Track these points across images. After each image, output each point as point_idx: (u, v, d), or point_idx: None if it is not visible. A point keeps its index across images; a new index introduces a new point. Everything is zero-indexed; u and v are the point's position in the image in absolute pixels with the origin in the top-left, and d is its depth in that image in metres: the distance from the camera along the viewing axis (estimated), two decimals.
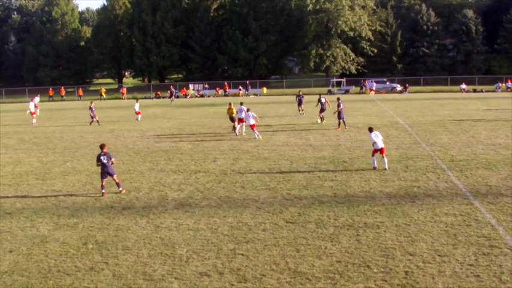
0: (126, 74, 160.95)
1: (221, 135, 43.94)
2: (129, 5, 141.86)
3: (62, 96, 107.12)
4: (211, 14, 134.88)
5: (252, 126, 42.17)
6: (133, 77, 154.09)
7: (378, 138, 29.17)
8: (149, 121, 57.24)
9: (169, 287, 14.91)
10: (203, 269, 15.95)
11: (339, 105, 45.95)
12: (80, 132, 49.93)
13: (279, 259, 16.54)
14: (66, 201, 24.75)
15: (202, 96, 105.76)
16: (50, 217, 22.16)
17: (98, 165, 25.65)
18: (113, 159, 25.78)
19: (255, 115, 42.87)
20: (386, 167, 28.81)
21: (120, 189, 25.65)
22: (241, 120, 44.49)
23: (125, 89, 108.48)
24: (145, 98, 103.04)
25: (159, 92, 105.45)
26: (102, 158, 25.28)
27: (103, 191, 25.37)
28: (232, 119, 46.09)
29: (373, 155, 29.41)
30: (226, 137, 43.15)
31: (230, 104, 48.14)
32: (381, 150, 28.99)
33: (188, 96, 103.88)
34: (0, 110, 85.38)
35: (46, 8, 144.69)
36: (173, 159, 33.95)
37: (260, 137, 41.53)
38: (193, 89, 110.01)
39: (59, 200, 24.90)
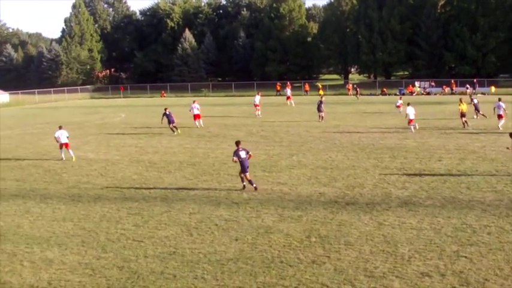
0: (352, 70, 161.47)
1: (447, 134, 43.01)
2: (355, 1, 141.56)
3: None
4: (438, 10, 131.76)
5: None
6: (359, 73, 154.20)
7: None
8: (374, 118, 57.16)
9: (390, 285, 14.98)
10: (425, 269, 15.88)
11: None
12: (306, 126, 50.78)
13: (503, 264, 16.13)
14: (290, 194, 25.46)
15: (428, 94, 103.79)
16: (275, 209, 22.92)
17: (234, 161, 26.58)
18: (250, 153, 26.98)
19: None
20: None
21: (255, 185, 26.39)
22: (500, 116, 45.08)
23: (350, 85, 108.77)
24: (371, 94, 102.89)
25: (384, 89, 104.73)
26: (240, 153, 26.11)
27: (254, 185, 26.29)
28: (462, 115, 46.54)
29: None
30: (452, 135, 42.18)
31: (460, 99, 48.19)
32: None
33: (414, 94, 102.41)
34: (230, 103, 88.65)
35: (274, 5, 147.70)
36: (398, 157, 33.79)
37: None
38: (419, 87, 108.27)
39: (284, 193, 25.67)
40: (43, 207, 24.87)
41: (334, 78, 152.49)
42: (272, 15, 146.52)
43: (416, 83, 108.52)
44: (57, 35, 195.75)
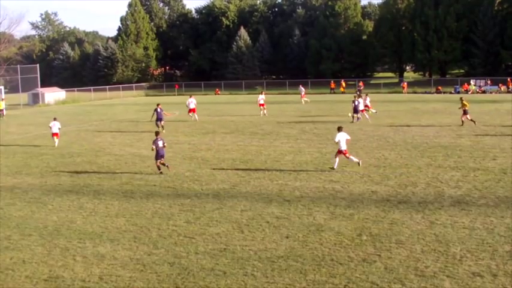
0: (407, 68, 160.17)
1: (502, 133, 42.40)
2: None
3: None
4: (495, 8, 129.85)
5: None
6: (414, 71, 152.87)
7: (343, 139, 29.96)
8: (429, 116, 56.56)
9: (441, 284, 14.83)
10: (476, 269, 15.69)
11: None
12: (359, 125, 50.46)
13: None
14: (343, 191, 25.40)
15: (483, 92, 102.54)
16: (327, 207, 22.87)
17: (152, 149, 30.95)
18: (165, 144, 31.30)
19: None
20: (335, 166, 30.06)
21: (161, 171, 30.91)
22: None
23: (405, 84, 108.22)
24: (426, 92, 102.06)
25: (439, 87, 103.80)
26: (159, 142, 30.53)
27: (160, 170, 30.92)
28: (465, 113, 47.60)
29: (336, 156, 30.37)
30: (507, 135, 41.54)
31: (461, 98, 49.55)
32: (344, 152, 29.87)
33: (469, 92, 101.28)
34: (284, 101, 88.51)
35: (329, 3, 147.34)
36: (452, 156, 33.43)
37: None
38: (475, 85, 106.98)
39: (336, 191, 25.62)
40: (96, 203, 25.20)
41: (389, 76, 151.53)
42: (327, 13, 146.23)
43: (472, 81, 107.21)
44: (113, 33, 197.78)
